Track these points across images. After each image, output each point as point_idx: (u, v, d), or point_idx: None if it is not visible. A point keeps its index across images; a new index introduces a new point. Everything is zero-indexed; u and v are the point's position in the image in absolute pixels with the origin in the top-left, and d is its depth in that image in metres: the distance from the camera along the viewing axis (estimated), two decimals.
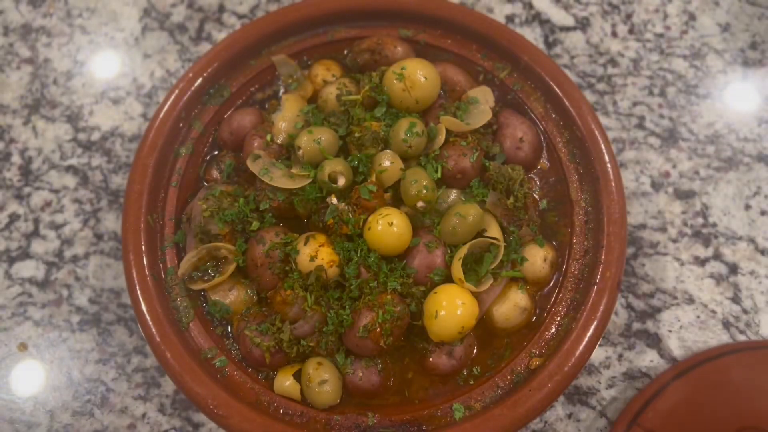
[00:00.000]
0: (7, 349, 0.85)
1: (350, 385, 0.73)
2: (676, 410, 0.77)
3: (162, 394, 0.83)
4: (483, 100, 0.82)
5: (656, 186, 0.92)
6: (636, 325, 0.86)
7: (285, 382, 0.73)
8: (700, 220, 0.90)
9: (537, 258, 0.76)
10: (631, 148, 0.94)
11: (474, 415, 0.71)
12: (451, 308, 0.70)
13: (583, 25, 1.01)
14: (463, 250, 0.72)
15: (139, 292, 0.75)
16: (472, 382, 0.74)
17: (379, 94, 0.79)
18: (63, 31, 1.01)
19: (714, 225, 0.90)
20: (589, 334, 0.72)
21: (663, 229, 0.90)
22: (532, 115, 0.85)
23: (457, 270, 0.72)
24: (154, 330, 0.73)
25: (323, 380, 0.71)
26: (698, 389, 0.78)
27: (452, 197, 0.77)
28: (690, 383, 0.78)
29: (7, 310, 0.87)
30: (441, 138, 0.77)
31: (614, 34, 1.00)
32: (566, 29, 1.00)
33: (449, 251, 0.75)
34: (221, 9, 1.02)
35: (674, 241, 0.89)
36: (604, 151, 0.80)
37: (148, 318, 0.74)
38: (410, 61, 0.79)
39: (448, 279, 0.74)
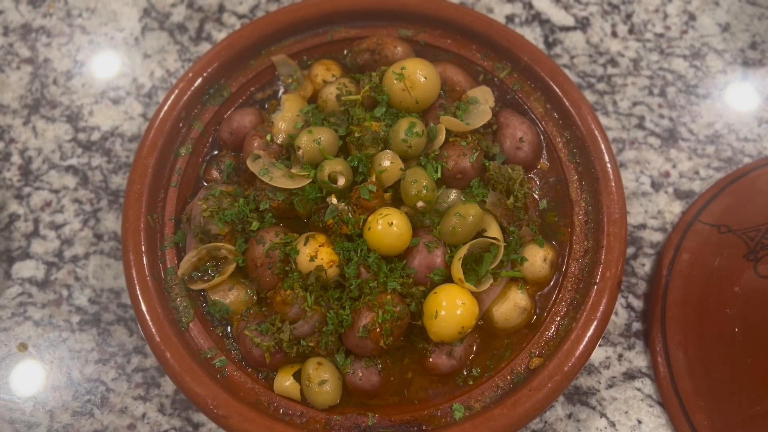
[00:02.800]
0: (7, 349, 0.85)
1: (350, 385, 0.73)
2: (732, 207, 0.86)
3: (162, 394, 0.83)
4: (483, 100, 0.82)
5: (656, 186, 0.92)
6: (636, 325, 0.86)
7: (285, 382, 0.73)
8: None
9: (537, 258, 0.76)
10: (631, 148, 0.94)
11: (474, 415, 0.71)
12: (451, 308, 0.70)
13: (583, 25, 1.01)
14: (463, 250, 0.72)
15: (138, 292, 0.75)
16: (471, 383, 0.74)
17: (379, 94, 0.79)
18: (63, 31, 1.01)
19: None
20: (589, 334, 0.72)
21: (663, 229, 0.90)
22: (532, 115, 0.85)
23: (457, 270, 0.72)
24: (153, 330, 0.73)
25: (323, 380, 0.71)
26: (750, 190, 0.88)
27: (452, 197, 0.77)
28: (740, 187, 0.88)
29: (7, 310, 0.87)
30: (441, 138, 0.77)
31: (614, 34, 1.00)
32: (566, 29, 1.00)
33: (449, 251, 0.74)
34: (221, 9, 1.02)
35: None
36: (604, 151, 0.80)
37: (147, 318, 0.74)
38: (410, 61, 0.79)
39: (448, 279, 0.74)
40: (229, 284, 0.77)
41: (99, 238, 0.90)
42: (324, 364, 0.72)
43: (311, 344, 0.72)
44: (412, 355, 0.76)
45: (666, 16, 1.02)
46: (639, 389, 0.83)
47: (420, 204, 0.74)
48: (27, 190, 0.92)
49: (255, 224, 0.77)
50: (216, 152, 0.86)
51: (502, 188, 0.77)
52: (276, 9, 0.96)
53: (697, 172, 0.92)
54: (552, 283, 0.78)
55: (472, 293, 0.72)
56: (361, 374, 0.72)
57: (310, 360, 0.73)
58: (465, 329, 0.71)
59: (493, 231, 0.75)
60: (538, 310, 0.77)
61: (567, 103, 0.82)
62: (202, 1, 1.02)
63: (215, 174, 0.84)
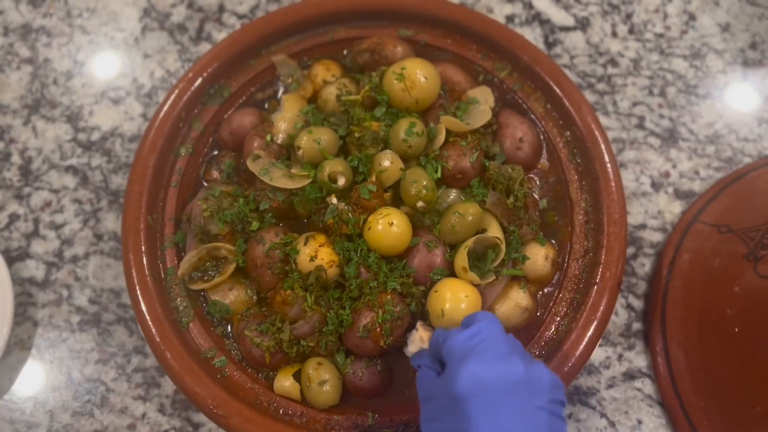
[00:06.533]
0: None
1: (350, 385, 0.73)
2: (732, 207, 0.86)
3: (162, 394, 0.83)
4: (483, 100, 0.82)
5: (656, 186, 0.92)
6: (636, 325, 0.86)
7: (285, 382, 0.73)
8: None
9: (538, 256, 0.76)
10: (631, 148, 0.94)
11: None
12: (455, 302, 0.69)
13: (583, 25, 1.01)
14: (470, 242, 0.72)
15: (138, 292, 0.75)
16: None
17: (379, 94, 0.79)
18: (63, 31, 1.01)
19: None
20: (589, 334, 0.72)
21: (663, 229, 0.90)
22: (532, 115, 0.85)
23: (462, 259, 0.71)
24: (153, 330, 0.73)
25: (323, 380, 0.71)
26: (750, 190, 0.88)
27: (452, 197, 0.77)
28: (740, 187, 0.88)
29: None
30: (441, 138, 0.77)
31: (614, 34, 1.00)
32: (566, 29, 1.00)
33: (449, 250, 0.74)
34: (221, 9, 1.02)
35: None
36: (604, 151, 0.80)
37: (147, 318, 0.74)
38: (410, 61, 0.79)
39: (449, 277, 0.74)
40: (229, 284, 0.77)
41: (99, 238, 0.90)
42: (324, 364, 0.72)
43: (311, 344, 0.72)
44: None
45: (666, 16, 1.02)
46: (639, 389, 0.83)
47: (420, 204, 0.74)
48: (27, 190, 0.92)
49: (255, 224, 0.77)
50: (216, 152, 0.86)
51: (502, 188, 0.77)
52: (276, 9, 0.96)
53: (697, 172, 0.92)
54: (552, 282, 0.78)
55: (477, 287, 0.72)
56: (361, 374, 0.72)
57: (310, 360, 0.73)
58: None
59: (494, 230, 0.75)
60: (539, 311, 0.77)
61: (567, 103, 0.82)
62: (202, 1, 1.02)
63: (215, 174, 0.83)
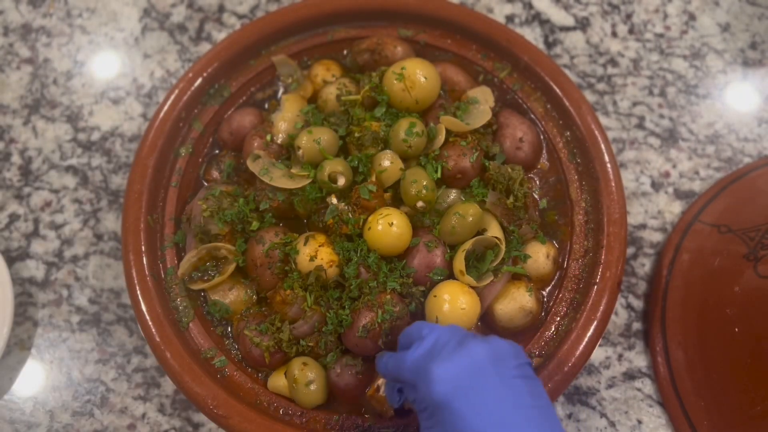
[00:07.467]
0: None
1: (334, 387, 0.73)
2: (732, 207, 0.86)
3: (162, 394, 0.83)
4: (483, 100, 0.82)
5: (656, 186, 0.92)
6: (636, 325, 0.86)
7: (279, 381, 0.73)
8: None
9: (539, 254, 0.76)
10: (631, 148, 0.94)
11: None
12: (453, 311, 0.70)
13: (583, 25, 1.01)
14: (468, 244, 0.72)
15: (138, 292, 0.75)
16: None
17: (379, 94, 0.79)
18: (63, 31, 1.01)
19: None
20: (589, 334, 0.72)
21: (663, 229, 0.90)
22: (532, 115, 0.85)
23: (459, 262, 0.72)
24: (153, 330, 0.74)
25: (309, 380, 0.71)
26: (750, 190, 0.88)
27: (452, 197, 0.77)
28: (740, 187, 0.88)
29: None
30: (441, 138, 0.77)
31: (614, 34, 1.00)
32: (566, 29, 1.00)
33: (448, 251, 0.74)
34: (221, 9, 1.02)
35: None
36: (604, 151, 0.80)
37: (147, 318, 0.74)
38: (410, 61, 0.79)
39: (448, 278, 0.74)
40: (229, 284, 0.77)
41: (99, 238, 0.90)
42: (309, 364, 0.72)
43: (311, 344, 0.72)
44: None
45: (666, 16, 1.02)
46: (639, 389, 0.83)
47: (420, 204, 0.74)
48: (27, 190, 0.92)
49: (255, 224, 0.77)
50: (216, 152, 0.86)
51: (502, 188, 0.77)
52: (276, 9, 0.96)
53: (697, 172, 0.92)
54: (552, 282, 0.78)
55: (475, 289, 0.72)
56: (338, 370, 0.72)
57: (294, 361, 0.73)
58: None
59: (494, 230, 0.75)
60: (543, 314, 0.77)
61: (567, 103, 0.82)
62: (202, 1, 1.02)
63: (215, 174, 0.84)
